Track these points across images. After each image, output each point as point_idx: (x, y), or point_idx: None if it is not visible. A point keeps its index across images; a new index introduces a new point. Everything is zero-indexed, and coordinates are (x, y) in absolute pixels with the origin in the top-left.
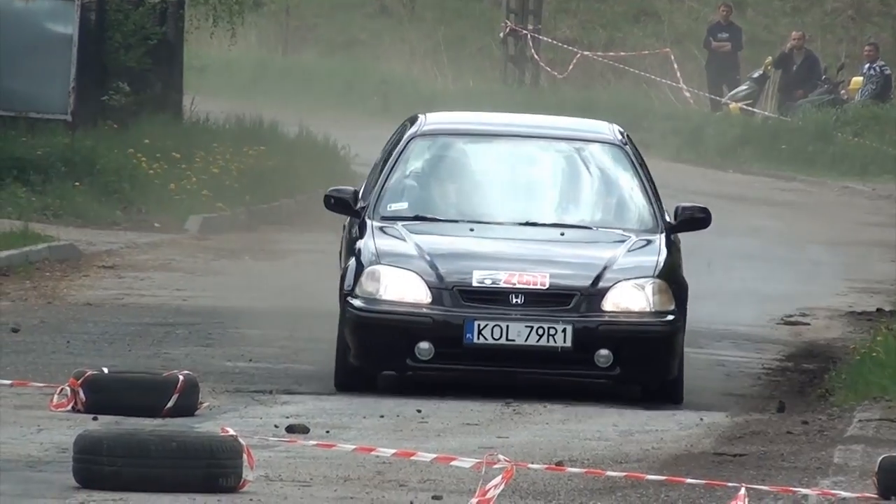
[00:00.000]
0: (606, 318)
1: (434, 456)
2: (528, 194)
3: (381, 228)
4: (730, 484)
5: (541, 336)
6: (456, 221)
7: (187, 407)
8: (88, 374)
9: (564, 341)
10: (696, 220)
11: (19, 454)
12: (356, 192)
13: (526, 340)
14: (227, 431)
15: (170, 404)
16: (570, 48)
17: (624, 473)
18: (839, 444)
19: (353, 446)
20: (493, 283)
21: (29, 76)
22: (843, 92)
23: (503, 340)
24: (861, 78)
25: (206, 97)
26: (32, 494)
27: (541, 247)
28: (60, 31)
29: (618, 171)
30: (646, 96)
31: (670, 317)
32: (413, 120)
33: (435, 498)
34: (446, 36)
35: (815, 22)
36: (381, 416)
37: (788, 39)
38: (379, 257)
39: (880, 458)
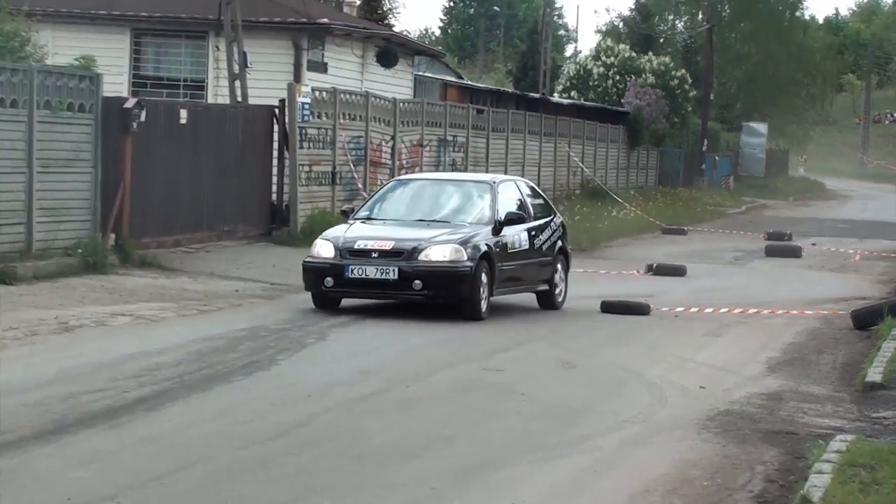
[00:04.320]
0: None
1: None
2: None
3: (347, 223)
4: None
5: (383, 273)
6: (384, 220)
7: None
8: None
9: (394, 276)
10: (514, 220)
11: None
12: (352, 209)
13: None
14: None
15: None
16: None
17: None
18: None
19: None
20: (364, 246)
21: None
22: None
23: (363, 276)
24: None
25: None
26: None
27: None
28: None
29: (481, 195)
30: None
31: (466, 265)
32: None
33: None
34: None
35: None
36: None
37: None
38: (323, 236)
39: (851, 310)
